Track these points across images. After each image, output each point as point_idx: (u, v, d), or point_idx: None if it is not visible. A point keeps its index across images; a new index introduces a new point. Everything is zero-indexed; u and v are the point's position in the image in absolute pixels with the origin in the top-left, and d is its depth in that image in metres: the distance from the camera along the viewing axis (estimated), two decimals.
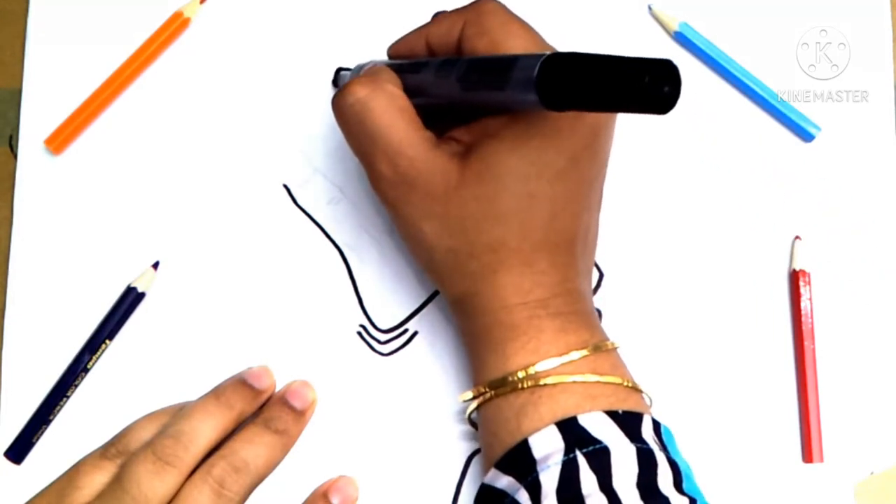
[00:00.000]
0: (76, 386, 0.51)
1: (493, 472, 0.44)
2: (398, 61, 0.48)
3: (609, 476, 0.41)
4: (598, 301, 0.51)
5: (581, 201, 0.45)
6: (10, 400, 0.51)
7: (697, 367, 0.53)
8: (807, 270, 0.53)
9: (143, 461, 0.34)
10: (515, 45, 0.44)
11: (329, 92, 0.54)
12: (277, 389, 0.37)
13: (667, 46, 0.55)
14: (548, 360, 0.43)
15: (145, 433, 0.36)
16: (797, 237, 0.54)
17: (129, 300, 0.52)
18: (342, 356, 0.52)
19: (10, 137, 0.54)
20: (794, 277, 0.53)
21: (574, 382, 0.43)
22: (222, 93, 0.54)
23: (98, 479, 0.35)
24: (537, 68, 0.37)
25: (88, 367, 0.51)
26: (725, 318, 0.53)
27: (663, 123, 0.51)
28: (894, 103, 0.55)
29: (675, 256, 0.54)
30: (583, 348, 0.44)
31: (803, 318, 0.52)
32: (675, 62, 0.39)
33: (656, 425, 0.44)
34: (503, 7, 0.45)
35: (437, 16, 0.48)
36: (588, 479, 0.41)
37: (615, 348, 0.45)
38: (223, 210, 0.53)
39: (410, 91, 0.45)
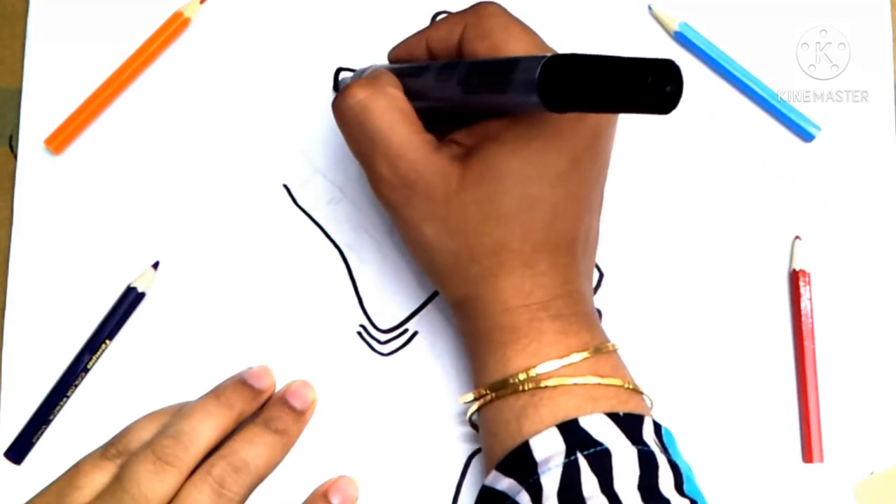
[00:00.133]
0: (76, 386, 0.51)
1: (493, 474, 0.44)
2: (399, 65, 0.48)
3: (610, 478, 0.41)
4: (598, 301, 0.51)
5: (582, 203, 0.45)
6: (10, 400, 0.51)
7: (697, 367, 0.53)
8: (807, 270, 0.53)
9: (143, 461, 0.34)
10: (516, 48, 0.44)
11: (329, 92, 0.54)
12: (277, 389, 0.37)
13: (667, 46, 0.55)
14: (548, 362, 0.43)
15: (145, 433, 0.36)
16: (797, 237, 0.54)
17: (129, 300, 0.52)
18: (342, 356, 0.52)
19: (10, 137, 0.54)
20: (794, 277, 0.53)
21: (575, 384, 0.43)
22: (222, 93, 0.54)
23: (98, 479, 0.35)
24: (539, 70, 0.37)
25: (88, 367, 0.51)
26: (725, 318, 0.53)
27: (663, 124, 0.51)
28: (894, 103, 0.55)
29: (675, 256, 0.54)
30: (584, 350, 0.44)
31: (803, 318, 0.52)
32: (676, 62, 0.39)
33: (657, 427, 0.44)
34: (503, 10, 0.45)
35: (437, 18, 0.48)
36: (589, 482, 0.41)
37: (616, 350, 0.45)
38: (223, 210, 0.53)
39: (411, 94, 0.45)
